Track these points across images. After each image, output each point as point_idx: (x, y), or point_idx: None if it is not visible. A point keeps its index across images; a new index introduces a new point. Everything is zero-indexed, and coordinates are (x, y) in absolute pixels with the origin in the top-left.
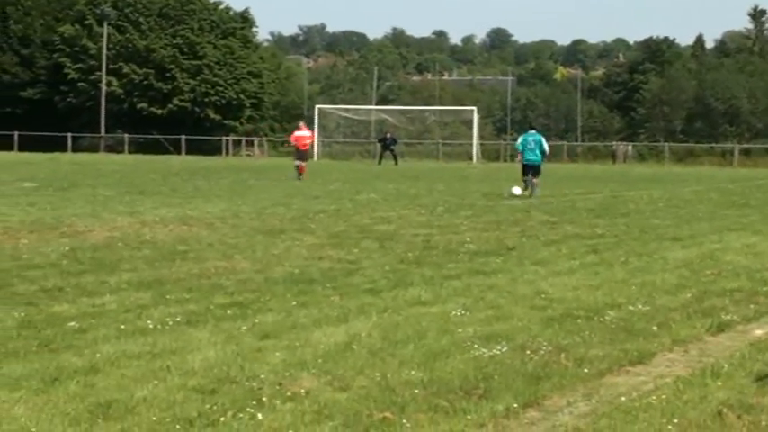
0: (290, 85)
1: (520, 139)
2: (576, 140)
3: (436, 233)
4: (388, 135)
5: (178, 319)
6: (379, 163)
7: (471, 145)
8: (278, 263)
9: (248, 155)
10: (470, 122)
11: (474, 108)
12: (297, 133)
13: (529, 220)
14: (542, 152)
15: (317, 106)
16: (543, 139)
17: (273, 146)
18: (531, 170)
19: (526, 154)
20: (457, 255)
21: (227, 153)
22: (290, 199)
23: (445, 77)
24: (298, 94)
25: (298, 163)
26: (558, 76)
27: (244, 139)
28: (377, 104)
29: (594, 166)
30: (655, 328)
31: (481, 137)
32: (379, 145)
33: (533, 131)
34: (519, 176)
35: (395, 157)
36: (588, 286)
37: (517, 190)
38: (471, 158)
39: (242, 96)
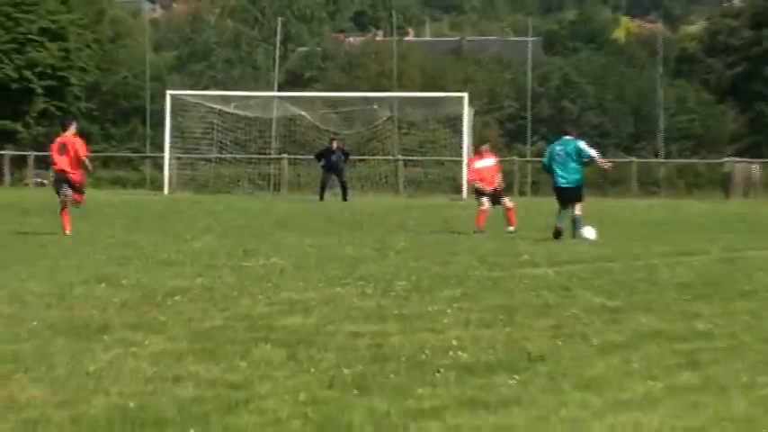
0: (121, 54)
1: (546, 155)
2: (657, 155)
3: (395, 331)
4: (335, 146)
5: None
6: (322, 199)
7: (459, 163)
8: (97, 389)
9: (40, 183)
10: (457, 120)
11: (464, 95)
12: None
13: (569, 304)
14: (580, 163)
15: (168, 92)
16: (582, 144)
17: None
18: (565, 197)
19: (555, 172)
20: (434, 371)
21: None
22: (119, 267)
23: (410, 38)
24: (135, 68)
25: (66, 194)
26: (620, 33)
27: (32, 154)
28: (282, 88)
29: (690, 203)
30: None
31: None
32: (321, 168)
33: (567, 137)
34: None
35: (344, 188)
36: (684, 431)
37: (590, 232)
38: (459, 190)
39: (28, 75)
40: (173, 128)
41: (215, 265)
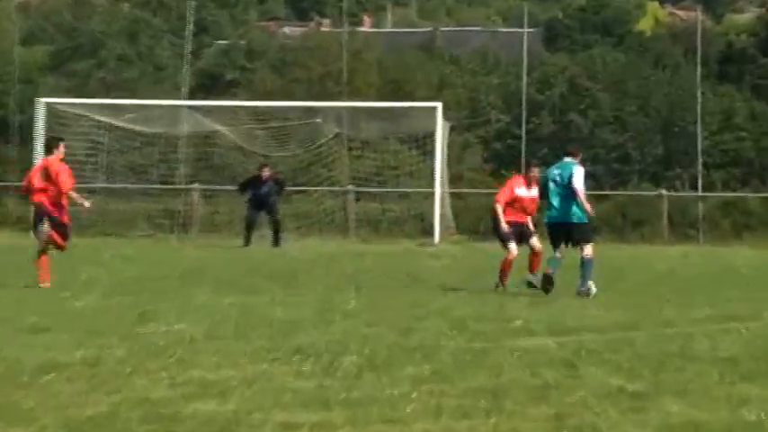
0: None
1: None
2: (694, 187)
3: (342, 421)
4: (266, 173)
5: None
6: (247, 243)
7: (430, 197)
8: None
9: None
10: (428, 139)
11: (437, 105)
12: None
13: (575, 385)
14: (571, 191)
15: (41, 100)
16: (577, 170)
17: None
18: (562, 235)
19: (550, 204)
20: None
21: None
22: None
23: (366, 28)
24: None
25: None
26: (645, 24)
27: None
28: (193, 95)
29: (738, 251)
30: None
31: (455, 176)
32: (246, 203)
33: (569, 159)
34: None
35: (276, 229)
36: None
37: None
38: (429, 231)
39: None
40: (47, 147)
41: (101, 332)
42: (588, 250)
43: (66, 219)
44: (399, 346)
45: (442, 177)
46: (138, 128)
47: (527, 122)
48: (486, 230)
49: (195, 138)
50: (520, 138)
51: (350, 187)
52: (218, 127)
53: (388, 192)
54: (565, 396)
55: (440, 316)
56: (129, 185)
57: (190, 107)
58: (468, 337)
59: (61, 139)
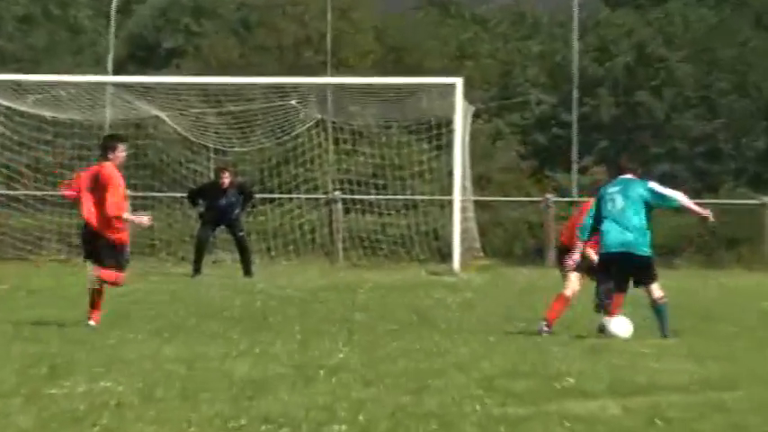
0: None
1: (589, 213)
2: None
3: None
4: (226, 179)
5: None
6: (197, 271)
7: (446, 206)
8: None
9: None
10: (443, 128)
11: (456, 81)
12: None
13: None
14: (648, 218)
15: None
16: (657, 186)
17: None
18: (623, 271)
19: (606, 231)
20: None
21: None
22: None
23: None
24: None
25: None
26: None
27: None
28: (121, 68)
29: None
30: None
31: (482, 179)
32: (199, 218)
33: (628, 176)
34: None
35: (243, 251)
36: None
37: (620, 325)
38: (447, 254)
39: None
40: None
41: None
42: (657, 291)
43: (117, 236)
44: (406, 413)
45: (463, 180)
46: (46, 114)
47: (580, 104)
48: (524, 253)
49: (123, 127)
50: (569, 125)
51: (337, 194)
52: (155, 112)
53: (388, 200)
54: None
55: (461, 370)
56: (35, 193)
57: (116, 85)
58: (500, 399)
59: (122, 139)
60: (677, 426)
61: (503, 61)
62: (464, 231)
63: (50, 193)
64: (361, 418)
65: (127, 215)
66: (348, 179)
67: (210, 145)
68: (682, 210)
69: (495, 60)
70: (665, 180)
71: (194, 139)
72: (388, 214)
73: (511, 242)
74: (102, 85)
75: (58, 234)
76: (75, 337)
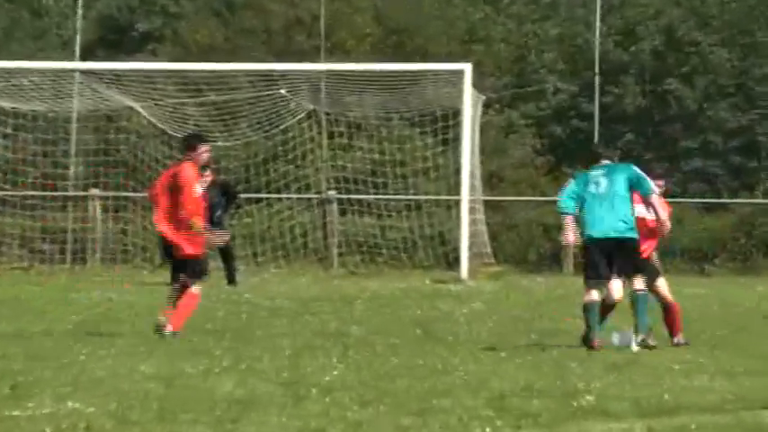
0: None
1: (570, 186)
2: None
3: None
4: (207, 177)
5: None
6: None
7: (452, 206)
8: None
9: None
10: (450, 120)
11: (465, 67)
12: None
13: None
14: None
15: None
16: (637, 171)
17: None
18: (610, 255)
19: (590, 217)
20: None
21: None
22: None
23: None
24: None
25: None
26: None
27: None
28: (89, 53)
29: None
30: None
31: (491, 179)
32: None
33: (607, 161)
34: None
35: (227, 258)
36: None
37: (623, 338)
38: (454, 260)
39: None
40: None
41: None
42: (641, 283)
43: (192, 246)
44: None
45: (471, 178)
46: (6, 105)
47: (602, 93)
48: (539, 259)
49: (94, 119)
50: (590, 117)
51: (331, 193)
52: (129, 102)
53: (389, 200)
54: None
55: (469, 389)
56: None
57: (84, 72)
58: (513, 420)
59: (203, 139)
60: None
61: (517, 45)
62: (473, 235)
63: (10, 193)
64: None
65: (200, 224)
66: (344, 177)
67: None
68: (647, 203)
69: (508, 44)
70: (697, 177)
71: (172, 133)
72: (389, 216)
73: (525, 247)
74: (69, 72)
75: (21, 239)
76: (40, 353)
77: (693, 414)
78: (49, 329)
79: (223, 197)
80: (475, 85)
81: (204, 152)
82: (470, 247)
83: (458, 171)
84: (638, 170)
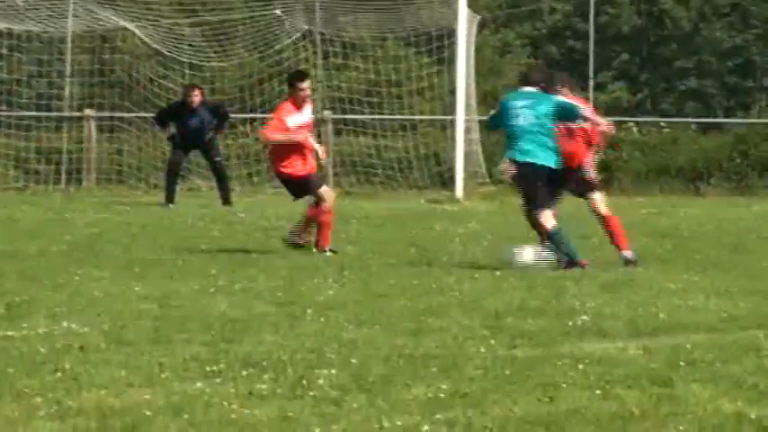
0: None
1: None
2: None
3: None
4: (196, 97)
5: None
6: (170, 200)
7: (446, 126)
8: None
9: None
10: (445, 40)
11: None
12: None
13: (670, 413)
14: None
15: None
16: (560, 99)
17: None
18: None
19: (513, 143)
20: None
21: None
22: None
23: None
24: None
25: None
26: None
27: None
28: None
29: None
30: None
31: (487, 99)
32: (168, 141)
33: (529, 89)
34: None
35: (220, 178)
36: None
37: (524, 253)
38: (449, 180)
39: None
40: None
41: None
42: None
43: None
44: (403, 356)
45: (467, 98)
46: (0, 26)
47: (597, 14)
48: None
49: (89, 39)
50: (585, 36)
51: (326, 113)
52: (123, 23)
53: (384, 120)
54: (655, 431)
55: (464, 309)
56: None
57: None
58: (508, 340)
59: (304, 74)
60: (703, 368)
61: None
62: (468, 155)
63: (5, 113)
64: (353, 360)
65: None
66: (339, 97)
67: (185, 59)
68: (586, 120)
69: None
70: (692, 97)
71: (167, 53)
72: (384, 136)
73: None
74: None
75: (15, 160)
76: (35, 273)
77: (689, 333)
78: (44, 249)
79: (213, 118)
80: (470, 5)
81: (302, 90)
82: (465, 167)
83: (453, 91)
84: (560, 99)
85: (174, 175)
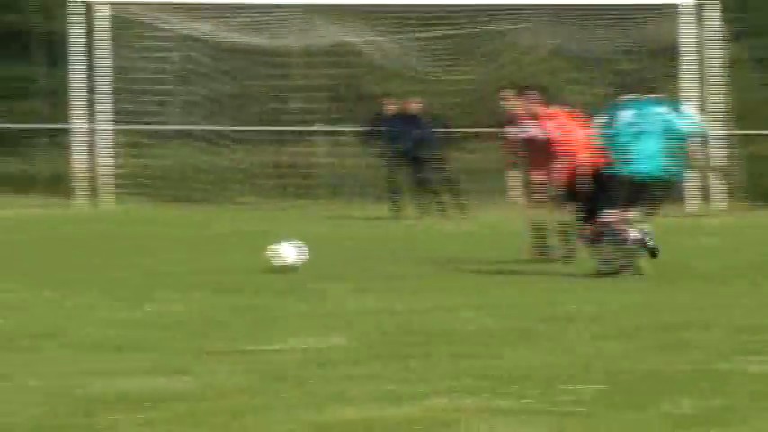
0: None
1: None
2: None
3: None
4: (414, 109)
5: None
6: (396, 209)
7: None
8: None
9: None
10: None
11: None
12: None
13: None
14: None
15: None
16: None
17: None
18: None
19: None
20: None
21: None
22: None
23: None
24: None
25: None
26: None
27: None
28: None
29: None
30: None
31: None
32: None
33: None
34: None
35: (453, 192)
36: None
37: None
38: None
39: None
40: (116, 68)
41: (204, 349)
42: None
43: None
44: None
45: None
46: (232, 37)
47: None
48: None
49: (320, 52)
50: None
51: None
52: (350, 38)
53: None
54: None
55: (728, 325)
56: (217, 127)
57: (307, 8)
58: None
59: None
60: None
61: None
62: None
63: (227, 128)
64: (618, 376)
65: None
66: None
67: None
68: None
69: None
70: None
71: (397, 67)
72: None
73: None
74: (288, 8)
75: (250, 177)
76: (281, 287)
77: None
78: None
79: (433, 131)
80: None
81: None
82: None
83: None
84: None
85: (394, 187)
